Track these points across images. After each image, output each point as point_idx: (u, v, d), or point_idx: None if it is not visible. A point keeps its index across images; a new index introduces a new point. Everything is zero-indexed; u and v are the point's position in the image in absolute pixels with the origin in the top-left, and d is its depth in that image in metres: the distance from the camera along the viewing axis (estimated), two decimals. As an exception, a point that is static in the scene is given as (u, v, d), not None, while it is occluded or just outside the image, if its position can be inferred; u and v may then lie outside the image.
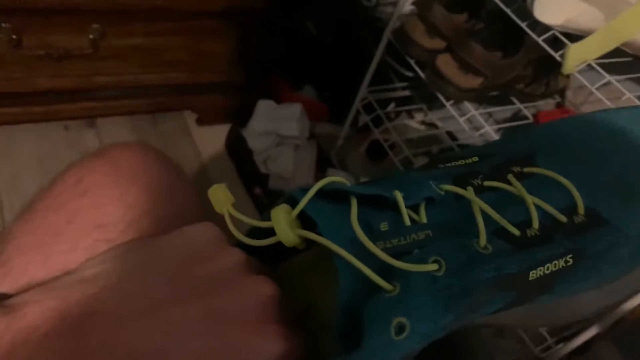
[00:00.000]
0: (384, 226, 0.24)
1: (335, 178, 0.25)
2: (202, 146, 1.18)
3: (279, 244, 0.24)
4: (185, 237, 0.25)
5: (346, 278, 0.22)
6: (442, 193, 0.26)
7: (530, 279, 0.24)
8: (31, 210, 0.28)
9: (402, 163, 1.02)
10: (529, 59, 0.83)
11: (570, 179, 0.27)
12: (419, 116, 1.27)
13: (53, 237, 0.27)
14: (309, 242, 0.24)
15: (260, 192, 1.07)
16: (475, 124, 0.97)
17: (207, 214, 0.28)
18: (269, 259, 0.29)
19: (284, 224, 0.23)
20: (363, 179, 1.14)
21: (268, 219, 0.24)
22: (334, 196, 0.24)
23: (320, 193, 0.24)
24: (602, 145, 0.29)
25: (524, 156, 0.29)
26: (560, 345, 0.78)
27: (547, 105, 1.02)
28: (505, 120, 1.10)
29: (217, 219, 0.27)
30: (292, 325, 0.24)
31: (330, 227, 0.22)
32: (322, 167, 1.13)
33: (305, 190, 0.24)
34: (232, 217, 0.25)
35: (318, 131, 1.21)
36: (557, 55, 0.75)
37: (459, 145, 1.09)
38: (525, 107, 0.94)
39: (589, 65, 0.74)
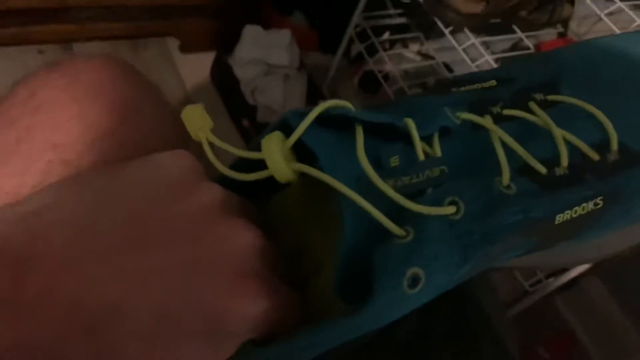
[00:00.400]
0: (394, 161, 0.20)
1: (338, 101, 0.21)
2: (186, 75, 1.12)
3: (268, 177, 0.20)
4: (152, 166, 0.21)
5: (351, 221, 0.18)
6: (458, 122, 0.22)
7: (556, 223, 0.21)
8: None
9: (396, 95, 0.98)
10: (535, -17, 0.78)
11: (600, 110, 0.23)
12: (414, 46, 1.22)
13: (1, 159, 0.23)
14: (302, 173, 0.20)
15: (248, 124, 1.03)
16: (473, 55, 0.92)
17: (186, 140, 0.24)
18: (252, 194, 0.25)
19: (278, 156, 0.19)
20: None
21: (257, 148, 0.20)
22: (335, 123, 0.21)
23: (318, 120, 0.20)
24: (634, 72, 0.26)
25: (547, 82, 0.25)
26: (551, 279, 0.78)
27: (548, 35, 0.97)
28: (504, 52, 1.05)
29: (199, 148, 0.23)
30: (276, 276, 0.21)
31: (332, 161, 0.19)
32: (312, 99, 1.09)
33: (301, 115, 0.20)
34: (211, 145, 0.22)
35: (308, 61, 1.15)
36: (566, -21, 0.70)
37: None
38: (527, 37, 0.90)
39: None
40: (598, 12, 0.67)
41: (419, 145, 0.21)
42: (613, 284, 0.95)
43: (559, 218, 0.21)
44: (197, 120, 0.21)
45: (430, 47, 1.15)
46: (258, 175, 0.20)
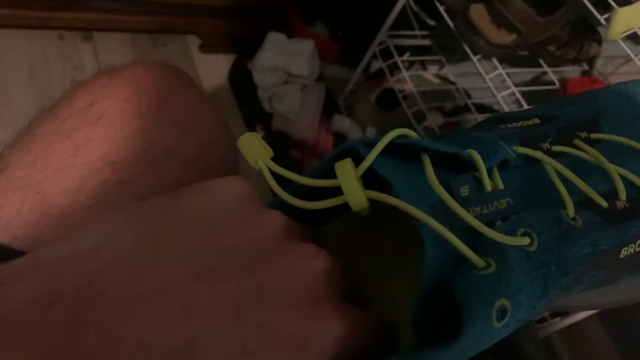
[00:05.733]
0: (464, 191, 0.20)
1: (403, 130, 0.20)
2: (204, 75, 1.11)
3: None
4: (209, 195, 0.19)
5: (433, 251, 0.18)
6: (515, 156, 0.22)
7: (621, 256, 0.21)
8: (29, 136, 0.23)
9: (414, 116, 0.97)
10: (567, 19, 0.77)
11: None
12: (433, 69, 1.21)
13: (55, 172, 0.22)
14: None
15: (262, 131, 1.02)
16: (493, 84, 0.92)
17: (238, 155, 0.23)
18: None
19: (355, 184, 0.18)
20: (370, 129, 1.09)
21: (319, 175, 0.20)
22: (397, 152, 0.20)
23: (383, 148, 0.19)
24: None
25: (588, 121, 0.26)
26: (557, 319, 0.76)
27: (573, 72, 0.97)
28: (524, 84, 1.05)
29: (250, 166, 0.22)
30: (350, 298, 0.20)
31: (407, 189, 0.18)
32: (328, 111, 1.08)
33: (368, 144, 0.19)
34: (271, 172, 0.20)
35: (327, 73, 1.14)
36: (602, 19, 0.69)
37: (474, 104, 1.04)
38: (551, 72, 0.89)
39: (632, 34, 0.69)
40: (632, 55, 0.66)
41: (487, 177, 0.20)
42: (609, 324, 0.95)
43: (624, 251, 0.21)
44: (257, 148, 0.21)
45: (449, 71, 1.14)
46: (329, 203, 0.19)
